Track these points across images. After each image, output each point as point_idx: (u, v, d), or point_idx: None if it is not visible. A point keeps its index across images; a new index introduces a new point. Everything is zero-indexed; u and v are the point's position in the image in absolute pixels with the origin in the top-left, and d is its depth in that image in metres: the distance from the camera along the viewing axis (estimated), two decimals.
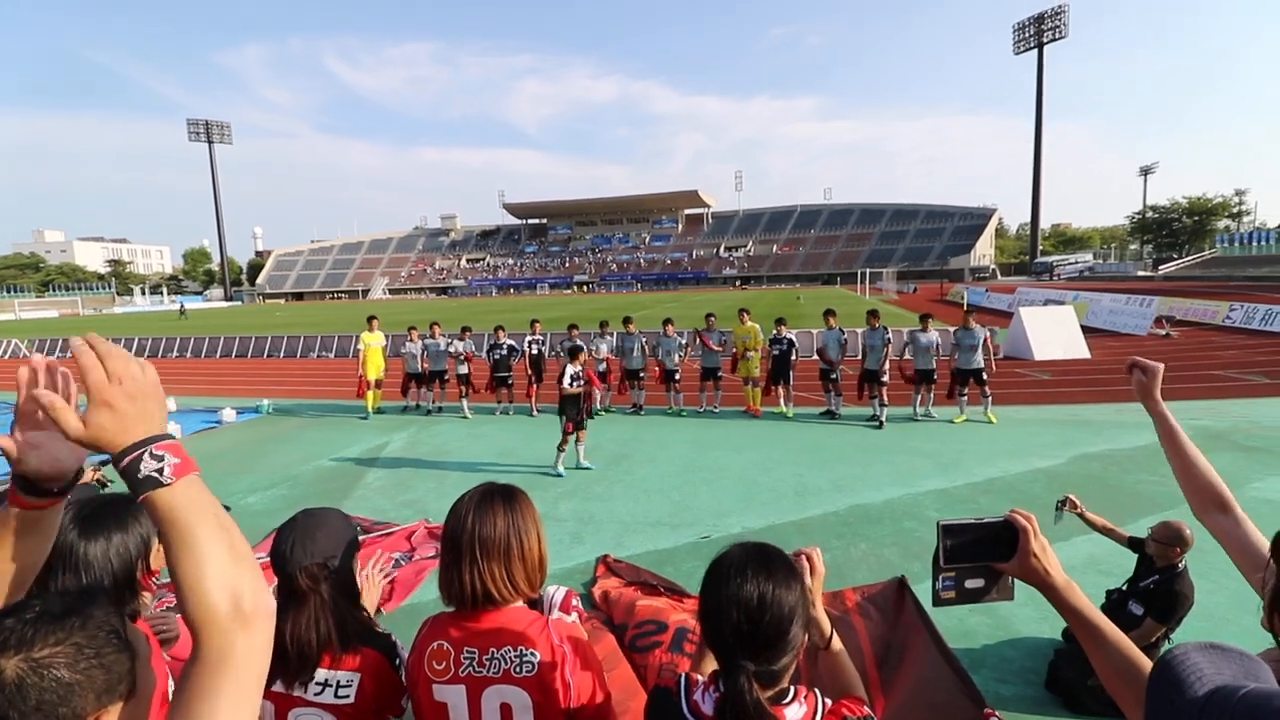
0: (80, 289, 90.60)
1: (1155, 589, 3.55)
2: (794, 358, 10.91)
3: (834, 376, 10.58)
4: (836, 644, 1.48)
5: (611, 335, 12.10)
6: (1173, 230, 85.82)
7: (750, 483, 7.37)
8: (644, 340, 11.96)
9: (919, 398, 10.33)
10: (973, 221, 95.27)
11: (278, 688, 1.61)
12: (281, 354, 22.99)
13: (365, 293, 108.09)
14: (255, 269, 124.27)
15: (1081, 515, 4.03)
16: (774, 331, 11.09)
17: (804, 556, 1.43)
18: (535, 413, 11.61)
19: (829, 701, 1.27)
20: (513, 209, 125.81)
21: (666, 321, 11.98)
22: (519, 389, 12.02)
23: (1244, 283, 41.52)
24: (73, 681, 0.81)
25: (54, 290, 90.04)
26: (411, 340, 12.13)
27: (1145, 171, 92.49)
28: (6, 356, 26.21)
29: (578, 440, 8.04)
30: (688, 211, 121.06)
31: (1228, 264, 56.37)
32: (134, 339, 25.35)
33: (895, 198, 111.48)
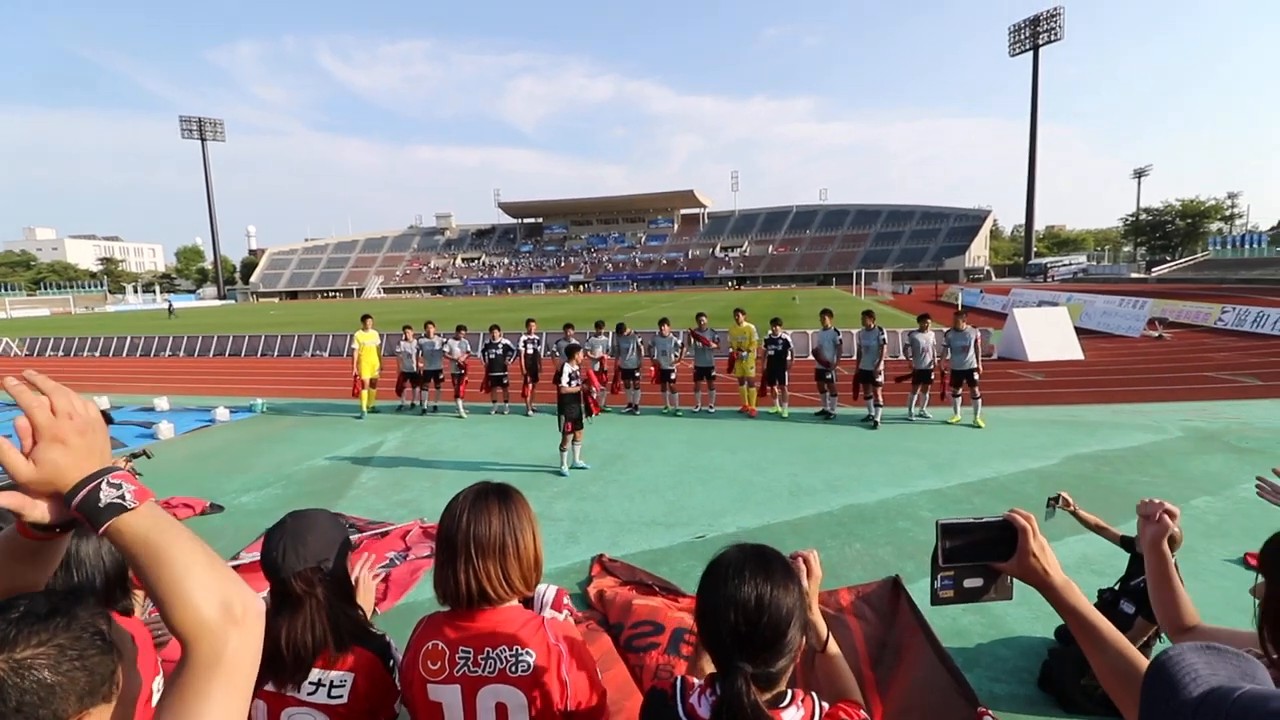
0: (72, 287, 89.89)
1: (1145, 587, 3.57)
2: (789, 358, 10.92)
3: (829, 377, 10.59)
4: (833, 647, 1.48)
5: (607, 335, 12.09)
6: (1166, 233, 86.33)
7: (745, 483, 7.38)
8: (640, 340, 11.96)
9: (914, 398, 10.36)
10: (968, 223, 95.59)
11: (270, 688, 1.60)
12: (275, 353, 22.89)
13: (360, 292, 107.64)
14: (249, 268, 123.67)
15: (1075, 513, 4.04)
16: (769, 332, 11.10)
17: (801, 559, 1.43)
18: (530, 412, 11.59)
19: (826, 705, 1.27)
20: (508, 208, 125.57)
21: (662, 321, 11.98)
22: (514, 388, 12.01)
23: (1236, 285, 41.81)
24: (54, 683, 0.80)
25: (45, 288, 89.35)
26: (406, 339, 12.09)
27: (1139, 174, 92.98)
28: None
29: (574, 440, 8.03)
30: (684, 211, 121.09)
31: (1220, 266, 56.72)
32: (125, 338, 25.20)
33: (891, 199, 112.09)
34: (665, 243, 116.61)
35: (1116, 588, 3.77)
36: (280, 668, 1.58)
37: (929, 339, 10.17)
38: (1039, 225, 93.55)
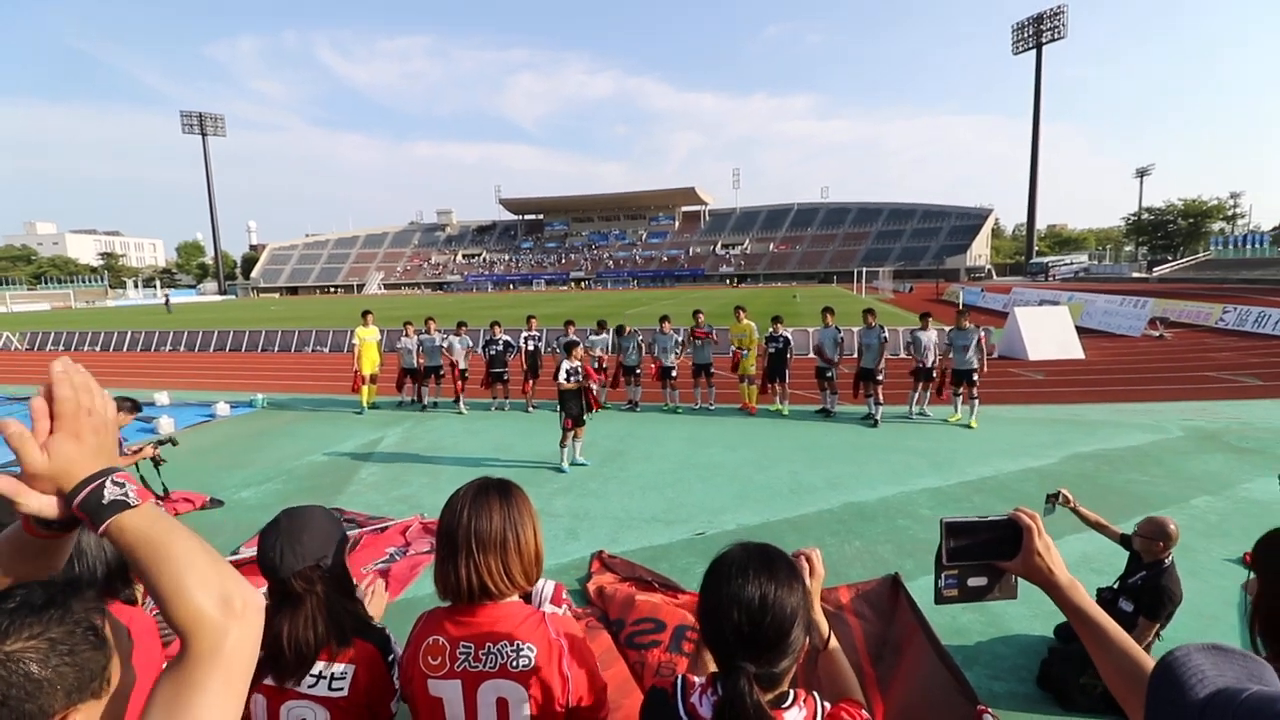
0: (72, 282, 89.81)
1: (1143, 585, 3.58)
2: (789, 356, 10.92)
3: (830, 375, 10.59)
4: (835, 646, 1.47)
5: (608, 333, 12.09)
6: (1168, 232, 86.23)
7: (745, 480, 7.38)
8: (640, 338, 11.95)
9: (914, 396, 10.35)
10: (969, 221, 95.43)
11: (270, 682, 1.60)
12: (276, 348, 22.90)
13: (360, 288, 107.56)
14: (249, 263, 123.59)
15: (1075, 510, 4.04)
16: (770, 329, 11.09)
17: (804, 557, 1.42)
18: (531, 409, 11.59)
19: (828, 705, 1.26)
20: (509, 204, 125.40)
21: (663, 319, 11.97)
22: (514, 385, 12.01)
23: (1238, 285, 41.76)
24: (42, 678, 0.80)
25: (46, 283, 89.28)
26: (407, 335, 12.09)
27: (1141, 173, 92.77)
28: None
29: (575, 437, 8.03)
30: (685, 209, 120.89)
31: (1222, 266, 56.67)
32: (125, 332, 25.20)
33: (892, 197, 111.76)
34: (666, 240, 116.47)
35: (1116, 586, 3.77)
36: (282, 665, 1.58)
37: (931, 337, 10.16)
38: (1040, 224, 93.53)
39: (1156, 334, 20.09)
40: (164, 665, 1.44)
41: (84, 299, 78.28)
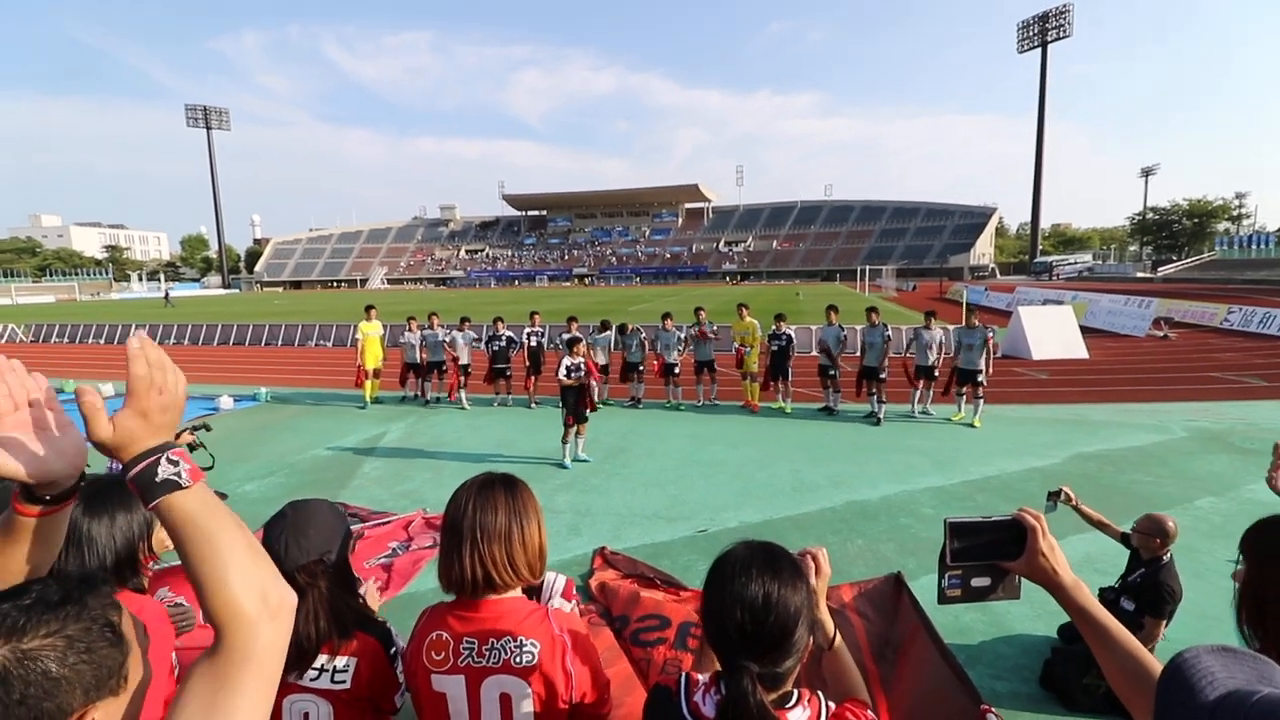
0: (77, 274, 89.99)
1: (1142, 582, 3.58)
2: (791, 353, 10.91)
3: (832, 373, 10.57)
4: (840, 645, 1.46)
5: (610, 331, 12.08)
6: (1173, 232, 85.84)
7: (747, 477, 7.38)
8: (643, 335, 11.94)
9: (918, 395, 10.33)
10: (973, 220, 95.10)
11: None
12: (279, 342, 22.95)
13: (364, 282, 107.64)
14: (253, 257, 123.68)
15: (1076, 508, 4.02)
16: (773, 327, 11.08)
17: (810, 556, 1.41)
18: (533, 405, 11.59)
19: (832, 705, 1.25)
20: (512, 200, 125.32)
21: (665, 316, 11.96)
22: (517, 380, 12.02)
23: (1243, 285, 41.57)
24: (60, 676, 0.78)
25: (50, 275, 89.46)
26: (410, 330, 12.10)
27: (1146, 173, 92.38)
28: (3, 341, 26.09)
29: (577, 433, 8.02)
30: (688, 206, 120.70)
31: (1227, 266, 56.44)
32: (130, 325, 25.26)
33: (896, 195, 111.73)
34: (669, 237, 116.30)
35: (1117, 586, 3.77)
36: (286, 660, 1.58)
37: (935, 335, 10.13)
38: (1045, 223, 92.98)
39: (1161, 334, 20.02)
40: (171, 657, 1.44)
41: (88, 292, 78.52)
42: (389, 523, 6.02)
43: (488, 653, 1.48)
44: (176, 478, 0.85)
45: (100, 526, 1.54)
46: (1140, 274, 62.62)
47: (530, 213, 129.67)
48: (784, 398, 10.95)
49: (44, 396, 0.95)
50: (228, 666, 0.82)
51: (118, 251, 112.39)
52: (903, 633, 3.43)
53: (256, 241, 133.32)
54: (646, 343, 11.81)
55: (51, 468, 0.94)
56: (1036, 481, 6.97)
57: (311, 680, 1.60)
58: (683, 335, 11.88)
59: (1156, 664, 1.02)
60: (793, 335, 11.14)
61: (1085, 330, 18.00)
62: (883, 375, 9.92)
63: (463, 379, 11.74)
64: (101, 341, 24.71)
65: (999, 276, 75.35)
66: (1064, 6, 77.79)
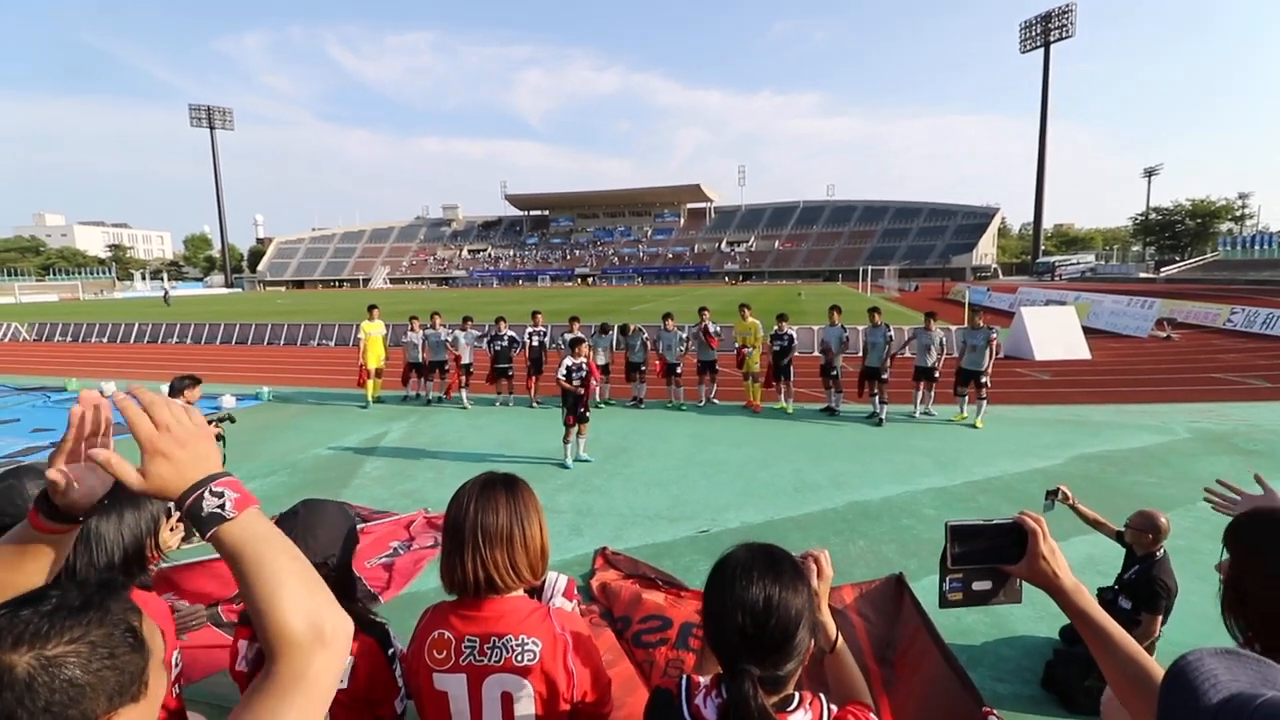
0: (80, 273, 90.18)
1: (1137, 579, 3.59)
2: (792, 353, 10.91)
3: (835, 373, 10.57)
4: (843, 647, 1.46)
5: (610, 334, 12.07)
6: (1175, 232, 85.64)
7: (749, 478, 7.37)
8: (645, 335, 11.95)
9: (919, 396, 10.32)
10: (975, 220, 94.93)
11: None
12: (282, 341, 22.97)
13: (366, 282, 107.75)
14: (256, 256, 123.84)
15: (1073, 507, 4.03)
16: (775, 327, 11.07)
17: (811, 558, 1.41)
18: (535, 404, 11.60)
19: (834, 708, 1.25)
20: (515, 200, 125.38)
21: (666, 316, 11.95)
22: (519, 380, 12.02)
23: (1246, 286, 41.47)
24: (85, 683, 0.78)
25: (54, 274, 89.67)
26: (412, 330, 12.12)
27: (1149, 173, 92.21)
28: (6, 340, 26.15)
29: (579, 433, 8.03)
30: (690, 206, 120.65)
31: (1230, 267, 56.30)
32: (133, 325, 25.31)
33: (898, 195, 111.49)
34: (671, 237, 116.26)
35: (1115, 586, 3.77)
36: None
37: (935, 336, 10.11)
38: (1047, 223, 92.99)
39: (1164, 335, 19.96)
40: (176, 644, 1.44)
41: (91, 291, 78.66)
42: (390, 522, 6.02)
43: (489, 651, 1.48)
44: (221, 510, 0.86)
45: (109, 524, 1.55)
46: (1143, 274, 62.48)
47: (533, 213, 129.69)
48: (786, 398, 10.94)
49: (104, 426, 0.99)
50: (275, 690, 0.82)
51: (121, 250, 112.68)
52: (904, 634, 3.43)
53: (259, 241, 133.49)
54: (649, 343, 11.81)
55: (96, 492, 0.97)
56: (1038, 482, 6.95)
57: None
58: (685, 335, 11.88)
59: (1157, 667, 1.02)
60: (794, 335, 11.14)
61: (1088, 331, 17.96)
62: (885, 376, 9.91)
63: (464, 379, 11.75)
64: (104, 340, 24.75)
65: (1001, 277, 75.22)
66: (1066, 6, 77.63)
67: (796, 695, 1.23)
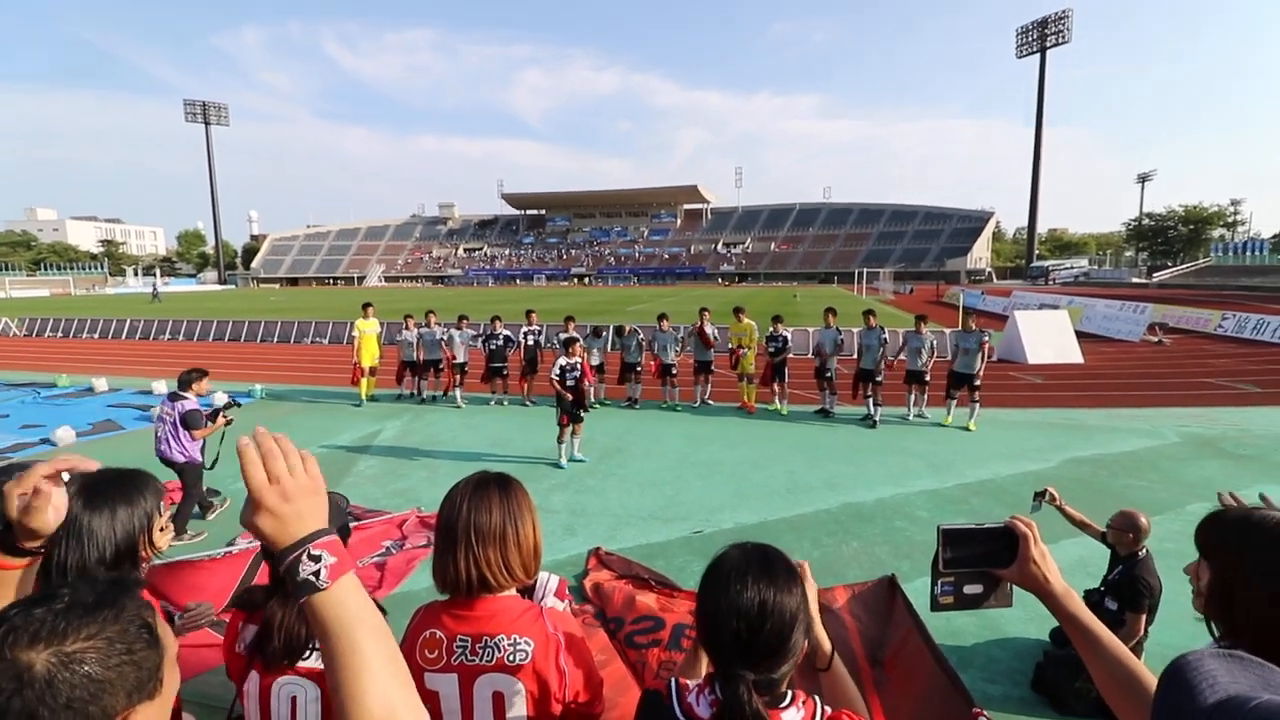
0: (72, 269, 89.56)
1: (1120, 579, 3.63)
2: (787, 354, 10.93)
3: (829, 375, 10.59)
4: (838, 664, 1.45)
5: (602, 337, 12.06)
6: (1168, 238, 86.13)
7: (743, 479, 7.38)
8: (641, 336, 11.95)
9: (912, 399, 10.35)
10: (970, 224, 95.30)
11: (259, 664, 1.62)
12: (275, 339, 22.86)
13: (361, 280, 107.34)
14: (250, 253, 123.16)
15: (1060, 508, 4.07)
16: (771, 329, 11.09)
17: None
18: (529, 403, 11.59)
19: (829, 709, 1.25)
20: (511, 199, 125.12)
21: (661, 317, 11.96)
22: (513, 379, 12.01)
23: (1237, 292, 41.75)
24: (104, 679, 0.77)
25: (46, 269, 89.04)
26: (407, 328, 12.08)
27: (1143, 179, 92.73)
28: None
29: (573, 433, 8.02)
30: (687, 206, 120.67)
31: (1222, 273, 56.68)
32: (125, 320, 25.16)
33: (894, 198, 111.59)
34: (668, 237, 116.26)
35: (1102, 588, 3.80)
36: (270, 653, 1.60)
37: (925, 340, 10.13)
38: (1042, 228, 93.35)
39: (1155, 340, 20.08)
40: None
41: (83, 286, 78.10)
42: (383, 521, 6.00)
43: (481, 651, 1.48)
44: (314, 578, 0.83)
45: (100, 519, 1.54)
46: (1136, 279, 62.86)
47: (529, 212, 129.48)
48: (780, 399, 10.96)
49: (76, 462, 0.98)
50: None
51: (113, 246, 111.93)
52: (896, 635, 3.44)
53: (253, 238, 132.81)
54: (644, 344, 11.82)
55: (61, 517, 0.97)
56: (1030, 485, 6.97)
57: (304, 659, 1.61)
58: (680, 335, 11.88)
59: (1146, 671, 1.02)
60: (789, 337, 11.15)
61: (1080, 335, 18.04)
62: (879, 378, 9.94)
63: (459, 377, 11.72)
64: (96, 336, 24.58)
65: (995, 280, 75.56)
66: (1063, 12, 78.01)
67: (789, 693, 1.23)
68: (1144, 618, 3.53)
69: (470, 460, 8.26)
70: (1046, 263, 79.15)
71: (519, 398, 11.83)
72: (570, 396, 7.85)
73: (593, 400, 11.14)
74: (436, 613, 1.56)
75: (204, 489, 6.44)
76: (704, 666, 1.54)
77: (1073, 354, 16.13)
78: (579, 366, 8.00)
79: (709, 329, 11.43)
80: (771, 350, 10.94)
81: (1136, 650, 3.51)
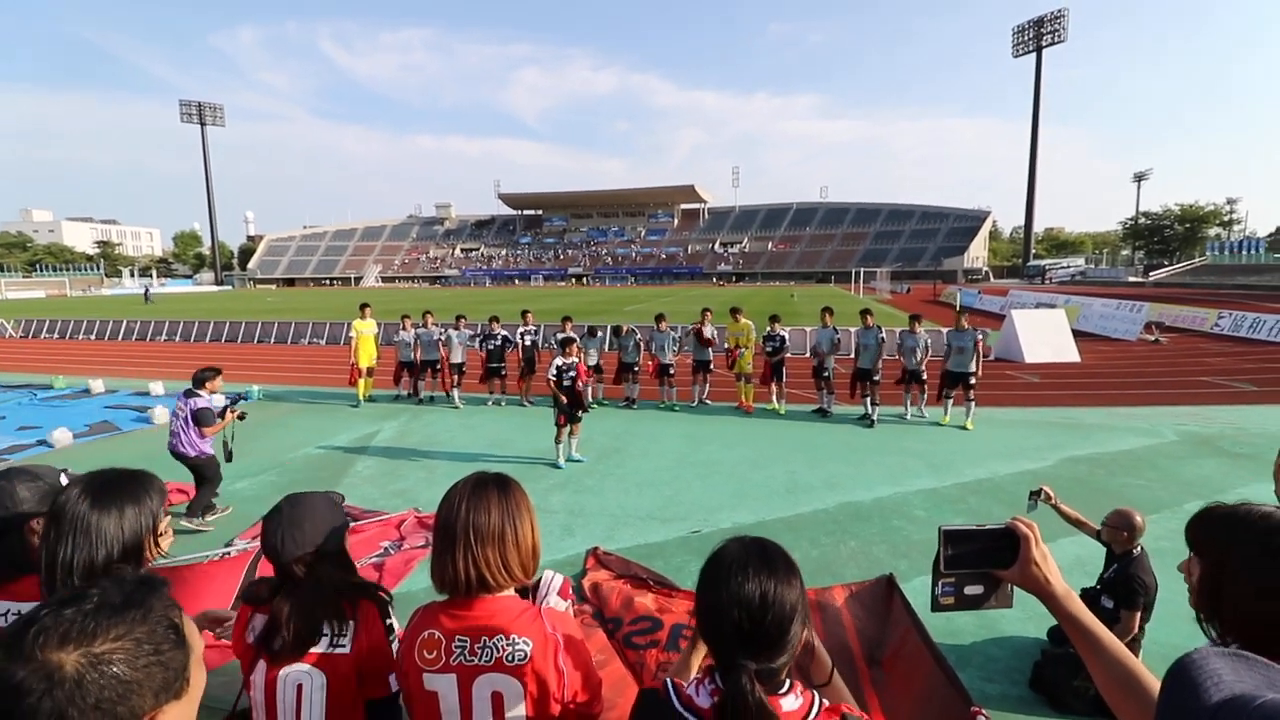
0: (68, 270, 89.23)
1: (1115, 577, 3.65)
2: (784, 354, 10.93)
3: (826, 375, 10.60)
4: (837, 679, 1.46)
5: (598, 336, 12.06)
6: (1164, 237, 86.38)
7: (741, 478, 7.38)
8: (639, 336, 11.94)
9: (909, 398, 10.36)
10: (967, 223, 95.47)
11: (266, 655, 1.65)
12: (272, 340, 22.82)
13: (358, 280, 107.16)
14: (246, 254, 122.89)
15: (1056, 506, 4.08)
16: (768, 329, 11.10)
17: None
18: (526, 403, 11.58)
19: (826, 701, 1.26)
20: (508, 199, 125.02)
21: (659, 317, 11.96)
22: (511, 380, 12.00)
23: (1233, 290, 41.92)
24: (132, 679, 0.78)
25: (41, 270, 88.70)
26: (404, 329, 12.07)
27: (1139, 178, 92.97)
28: None
29: (571, 433, 8.01)
30: (684, 206, 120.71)
31: (1218, 271, 56.90)
32: (121, 321, 25.08)
33: (891, 198, 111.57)
34: (665, 237, 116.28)
35: (1098, 586, 3.81)
36: (278, 646, 1.62)
37: (920, 339, 10.15)
38: (1038, 227, 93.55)
39: (1152, 338, 20.14)
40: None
41: (79, 287, 77.86)
42: (381, 522, 5.99)
43: (480, 651, 1.48)
44: None
45: (109, 519, 1.54)
46: (1132, 278, 63.06)
47: (526, 212, 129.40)
48: (778, 399, 10.97)
49: None
50: None
51: (109, 247, 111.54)
52: (894, 634, 3.44)
53: (250, 238, 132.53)
54: (642, 343, 11.81)
55: None
56: (1028, 484, 6.93)
57: (314, 646, 1.65)
58: (678, 335, 11.88)
59: (1146, 672, 1.02)
60: (786, 336, 11.16)
61: (1077, 334, 18.08)
62: (876, 377, 9.95)
63: (456, 378, 11.71)
64: (92, 337, 24.51)
65: (992, 280, 75.72)
66: (1059, 11, 78.16)
67: (788, 681, 1.24)
68: (1138, 615, 3.55)
69: (468, 461, 8.26)
70: (1043, 262, 79.42)
71: (517, 398, 11.82)
72: (565, 399, 7.84)
73: (591, 400, 11.14)
74: (435, 613, 1.56)
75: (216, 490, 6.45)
76: (696, 668, 1.56)
77: (1070, 353, 16.16)
78: (575, 367, 8.00)
79: (707, 329, 11.44)
80: (769, 350, 10.96)
81: (1132, 648, 3.52)
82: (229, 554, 4.79)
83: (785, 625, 1.19)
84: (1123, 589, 3.57)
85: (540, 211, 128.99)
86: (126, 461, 1.74)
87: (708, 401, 11.60)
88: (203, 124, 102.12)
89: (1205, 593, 1.13)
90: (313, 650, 1.63)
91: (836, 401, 10.80)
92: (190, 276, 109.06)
